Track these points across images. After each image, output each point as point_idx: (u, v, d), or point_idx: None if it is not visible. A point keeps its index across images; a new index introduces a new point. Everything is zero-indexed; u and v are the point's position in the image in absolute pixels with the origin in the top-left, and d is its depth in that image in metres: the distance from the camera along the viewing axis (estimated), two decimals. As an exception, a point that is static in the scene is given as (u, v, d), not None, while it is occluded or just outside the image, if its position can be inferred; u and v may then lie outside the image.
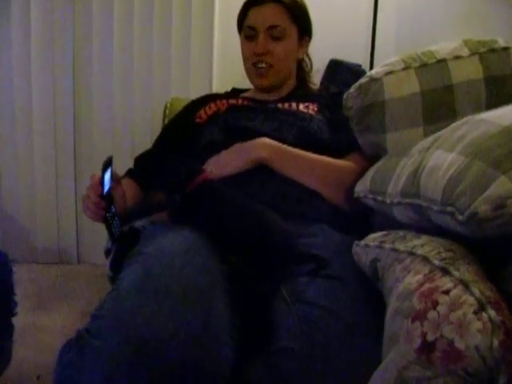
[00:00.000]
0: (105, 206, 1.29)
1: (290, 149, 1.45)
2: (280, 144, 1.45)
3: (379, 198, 1.22)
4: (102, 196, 1.29)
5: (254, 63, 1.72)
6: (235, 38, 1.82)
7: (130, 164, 1.72)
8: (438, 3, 2.52)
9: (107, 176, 1.29)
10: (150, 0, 2.56)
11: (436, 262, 0.87)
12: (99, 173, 1.29)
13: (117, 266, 1.26)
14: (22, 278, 2.47)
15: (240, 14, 1.77)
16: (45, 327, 2.03)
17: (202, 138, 1.61)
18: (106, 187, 1.29)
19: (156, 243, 1.08)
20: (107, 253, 1.40)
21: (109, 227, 1.30)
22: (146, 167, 1.67)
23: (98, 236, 2.66)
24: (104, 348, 0.83)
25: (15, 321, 1.47)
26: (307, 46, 1.83)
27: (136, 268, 0.99)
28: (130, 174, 1.66)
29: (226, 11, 2.53)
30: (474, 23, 2.47)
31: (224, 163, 1.43)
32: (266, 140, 1.45)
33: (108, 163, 1.29)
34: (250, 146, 1.44)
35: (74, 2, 2.57)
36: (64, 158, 2.71)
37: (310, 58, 1.90)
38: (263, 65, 1.71)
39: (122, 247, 1.29)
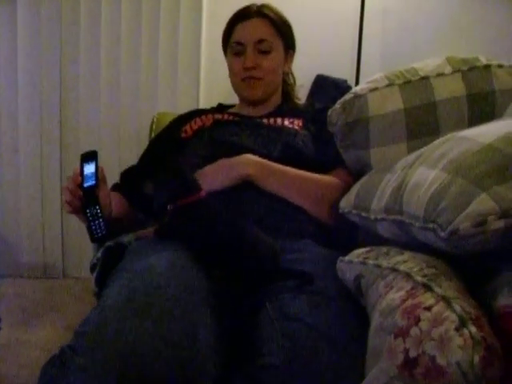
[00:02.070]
0: (83, 197, 1.25)
1: (275, 165, 1.45)
2: (265, 160, 1.45)
3: (363, 214, 1.22)
4: (80, 187, 1.25)
5: (243, 79, 1.72)
6: (222, 54, 1.83)
7: (117, 178, 1.72)
8: (422, 21, 2.56)
9: (88, 169, 1.26)
10: (137, 14, 2.57)
11: (418, 279, 0.88)
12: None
13: (102, 282, 1.25)
14: (7, 292, 2.45)
15: (225, 32, 1.77)
16: (29, 342, 2.01)
17: (187, 152, 1.61)
18: (88, 180, 1.26)
19: (141, 259, 1.08)
20: (93, 268, 1.39)
21: (88, 225, 1.26)
22: (132, 181, 1.66)
23: (84, 250, 2.67)
24: (88, 365, 0.82)
25: (-1, 336, 1.46)
26: (292, 60, 1.84)
27: (121, 284, 0.99)
28: (115, 188, 1.65)
29: (213, 26, 2.54)
30: (458, 40, 2.51)
31: (209, 179, 1.41)
32: (251, 156, 1.45)
33: (90, 157, 1.26)
34: (235, 162, 1.44)
35: (61, 18, 2.58)
36: (50, 171, 2.70)
37: (292, 74, 1.90)
38: (252, 79, 1.71)
39: (108, 262, 1.28)
